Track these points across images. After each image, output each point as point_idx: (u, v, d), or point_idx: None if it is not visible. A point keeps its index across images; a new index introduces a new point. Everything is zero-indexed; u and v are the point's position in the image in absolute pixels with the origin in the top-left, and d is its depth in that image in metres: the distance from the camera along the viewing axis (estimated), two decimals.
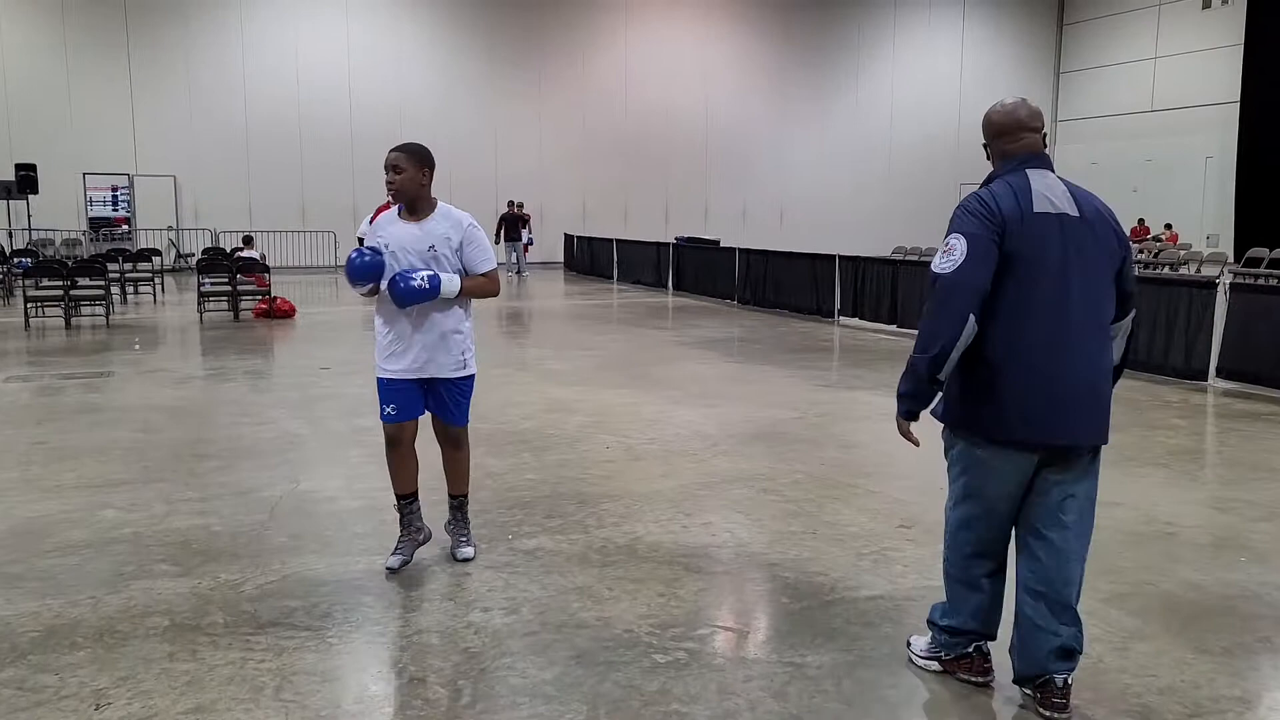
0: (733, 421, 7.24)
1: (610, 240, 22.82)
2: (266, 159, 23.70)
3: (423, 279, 3.95)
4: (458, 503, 4.43)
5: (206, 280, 14.00)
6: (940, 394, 3.00)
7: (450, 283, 4.01)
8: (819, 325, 13.91)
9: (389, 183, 4.04)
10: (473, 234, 4.15)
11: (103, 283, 13.29)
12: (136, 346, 11.23)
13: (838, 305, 14.21)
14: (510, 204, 22.88)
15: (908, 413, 3.00)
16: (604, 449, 6.37)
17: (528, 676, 3.27)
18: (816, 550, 4.52)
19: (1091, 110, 31.32)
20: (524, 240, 22.93)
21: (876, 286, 13.58)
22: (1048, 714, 2.96)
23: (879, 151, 30.45)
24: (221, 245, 20.97)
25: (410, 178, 4.04)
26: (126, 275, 16.21)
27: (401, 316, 4.07)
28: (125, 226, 22.62)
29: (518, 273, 22.35)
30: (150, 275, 16.73)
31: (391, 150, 4.07)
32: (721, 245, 19.45)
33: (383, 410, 4.18)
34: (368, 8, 24.58)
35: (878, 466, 6.03)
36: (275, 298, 13.88)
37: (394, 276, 3.98)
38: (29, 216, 20.50)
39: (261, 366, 9.99)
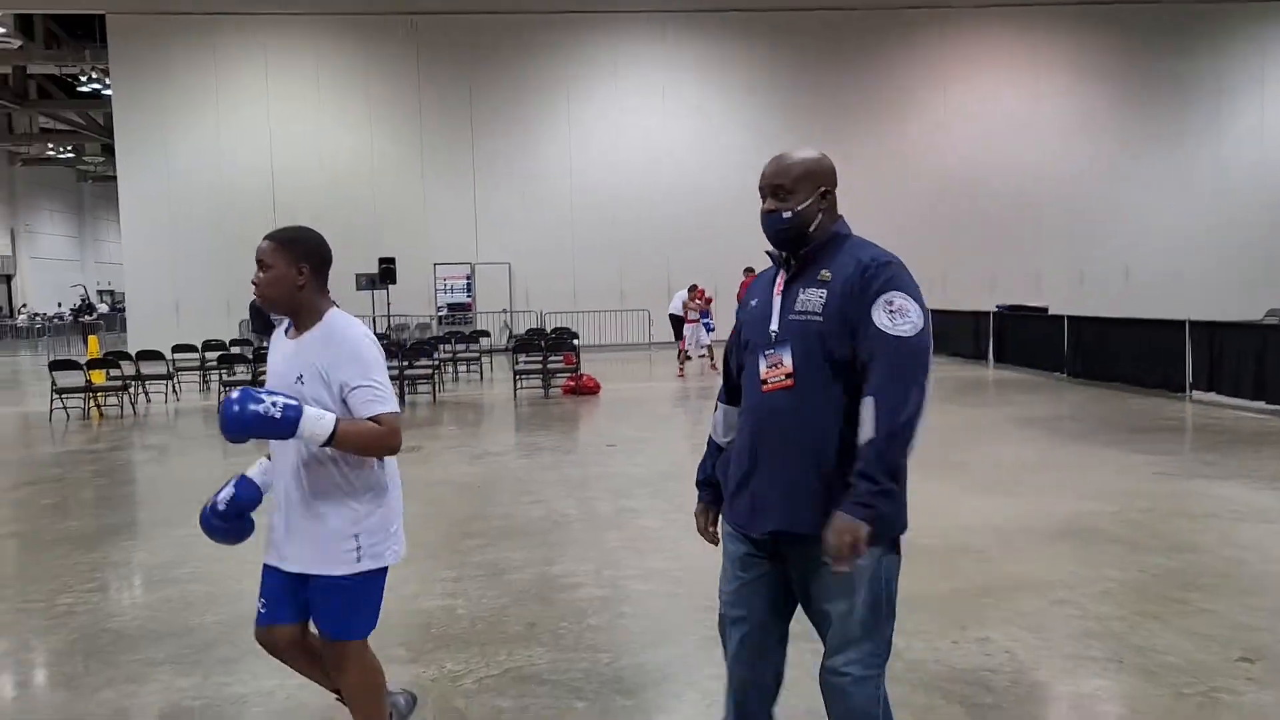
0: (1034, 515, 6.31)
1: None
2: (588, 244, 25.06)
3: (273, 405, 2.59)
4: None
5: (521, 359, 14.79)
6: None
7: (318, 422, 2.62)
8: (1164, 401, 12.17)
9: (253, 284, 2.86)
10: (354, 362, 2.75)
11: (431, 364, 14.42)
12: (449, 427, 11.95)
13: (1189, 378, 12.37)
14: None
15: (882, 515, 2.35)
16: None
17: None
18: (1120, 685, 3.66)
19: None
20: None
21: (1238, 355, 11.68)
22: None
23: (1244, 204, 26.90)
24: (544, 326, 22.28)
25: (279, 277, 2.81)
26: (458, 355, 17.54)
27: (281, 474, 2.88)
28: (468, 311, 24.82)
29: None
30: (478, 355, 18.01)
31: (263, 239, 2.89)
32: (1050, 312, 17.83)
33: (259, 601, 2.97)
34: (681, 102, 25.56)
35: (1218, 579, 4.93)
36: (582, 375, 14.38)
37: (227, 397, 2.75)
38: (388, 304, 23.03)
39: (554, 443, 10.23)
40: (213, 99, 24.78)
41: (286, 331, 2.91)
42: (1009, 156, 26.36)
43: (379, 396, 2.73)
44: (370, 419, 2.71)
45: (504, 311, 25.05)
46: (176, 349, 16.01)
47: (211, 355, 15.78)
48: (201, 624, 4.64)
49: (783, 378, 2.48)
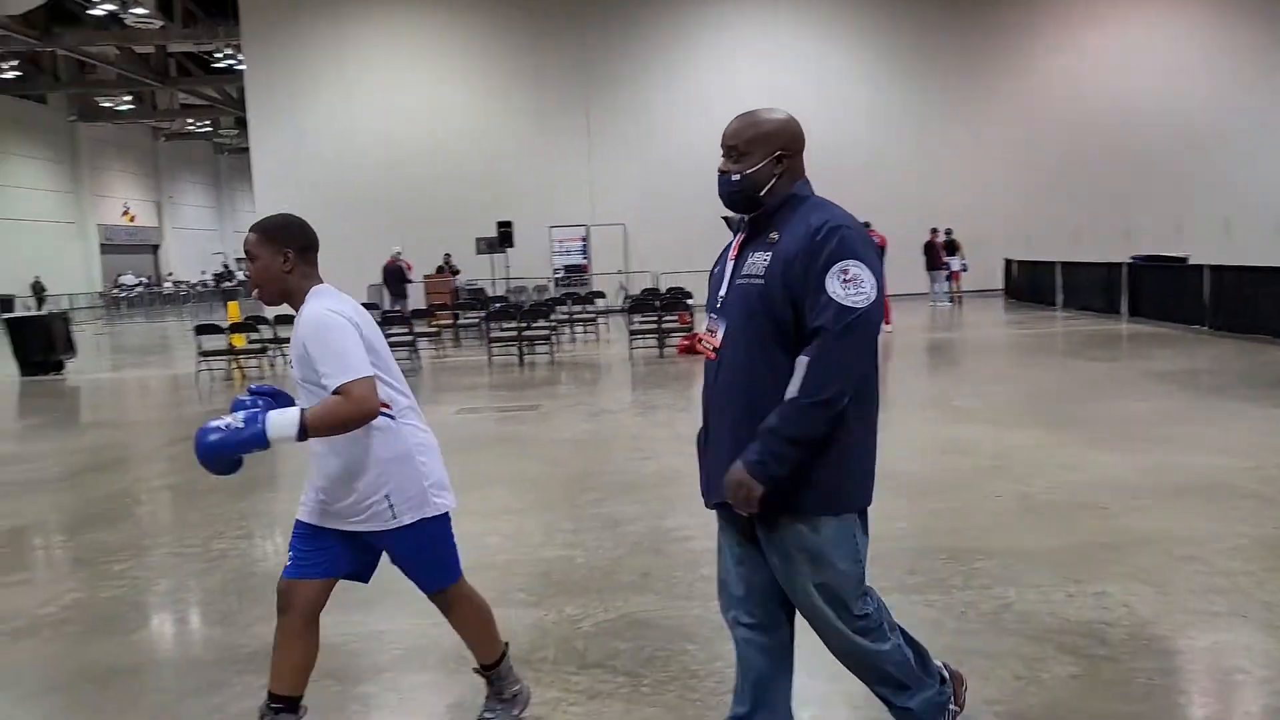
0: (1164, 470, 6.12)
1: (1053, 263, 20.94)
2: (702, 204, 24.97)
3: (232, 421, 2.61)
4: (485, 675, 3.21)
5: (636, 319, 14.96)
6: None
7: (281, 419, 2.61)
8: None
9: (246, 276, 2.89)
10: (312, 333, 2.70)
11: (548, 325, 14.74)
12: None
13: None
14: (932, 231, 21.89)
15: (775, 476, 2.34)
16: (994, 497, 5.68)
17: None
18: (1243, 638, 3.58)
19: None
20: (956, 266, 21.93)
21: None
22: None
23: None
24: (658, 287, 22.40)
25: (265, 266, 2.82)
26: (575, 317, 17.84)
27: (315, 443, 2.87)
28: (584, 273, 25.15)
29: (946, 302, 21.36)
30: (594, 316, 18.27)
31: (249, 230, 2.90)
32: (1189, 262, 16.98)
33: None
34: (800, 56, 25.11)
35: None
36: (696, 334, 14.44)
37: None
38: (507, 267, 23.54)
39: (668, 401, 10.37)
40: (338, 71, 25.59)
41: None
42: (1147, 100, 25.08)
43: (338, 368, 2.65)
44: (335, 392, 2.65)
45: (619, 272, 25.27)
46: None
47: None
48: None
49: (710, 349, 2.50)
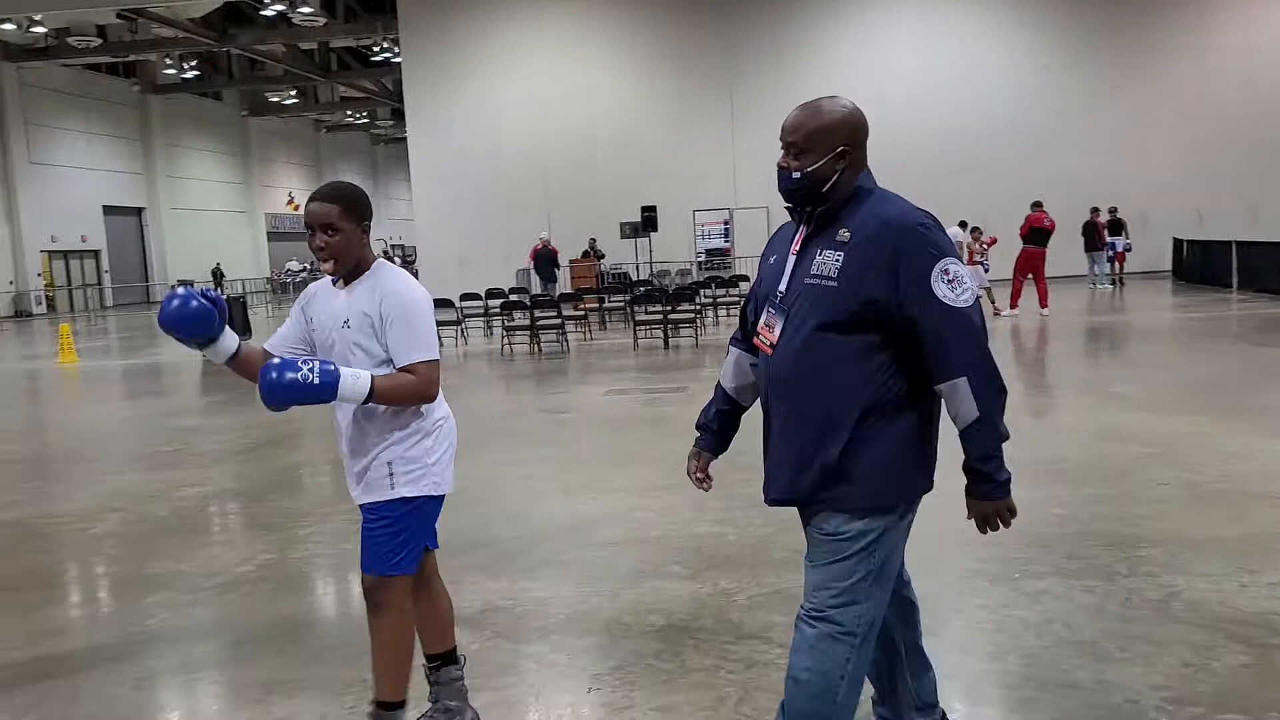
0: None
1: (1229, 243, 19.72)
2: None
3: (310, 372, 2.62)
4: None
5: None
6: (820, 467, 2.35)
7: (355, 382, 2.67)
8: None
9: (319, 249, 2.81)
10: (396, 309, 2.78)
11: (692, 308, 14.88)
12: None
13: None
14: (1094, 210, 20.94)
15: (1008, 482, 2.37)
16: (1157, 485, 5.50)
17: None
18: None
19: None
20: (1120, 247, 20.94)
21: None
22: None
23: None
24: None
25: (348, 239, 2.82)
26: (718, 300, 17.93)
27: (343, 415, 2.92)
28: (727, 256, 25.17)
29: (1107, 284, 20.43)
30: (737, 299, 18.30)
31: (313, 200, 2.83)
32: None
33: None
34: (949, 32, 24.40)
35: None
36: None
37: (266, 365, 2.67)
38: (650, 251, 23.80)
39: None
40: (489, 61, 26.35)
41: (335, 283, 2.92)
42: None
43: (417, 347, 2.77)
44: (405, 368, 2.76)
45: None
46: (463, 297, 17.37)
47: (494, 303, 17.03)
48: (502, 538, 5.22)
49: (767, 344, 2.41)
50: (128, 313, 33.37)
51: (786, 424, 2.40)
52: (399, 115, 36.40)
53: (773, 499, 2.48)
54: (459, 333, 16.34)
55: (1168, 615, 3.72)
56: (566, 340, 14.80)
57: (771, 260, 2.50)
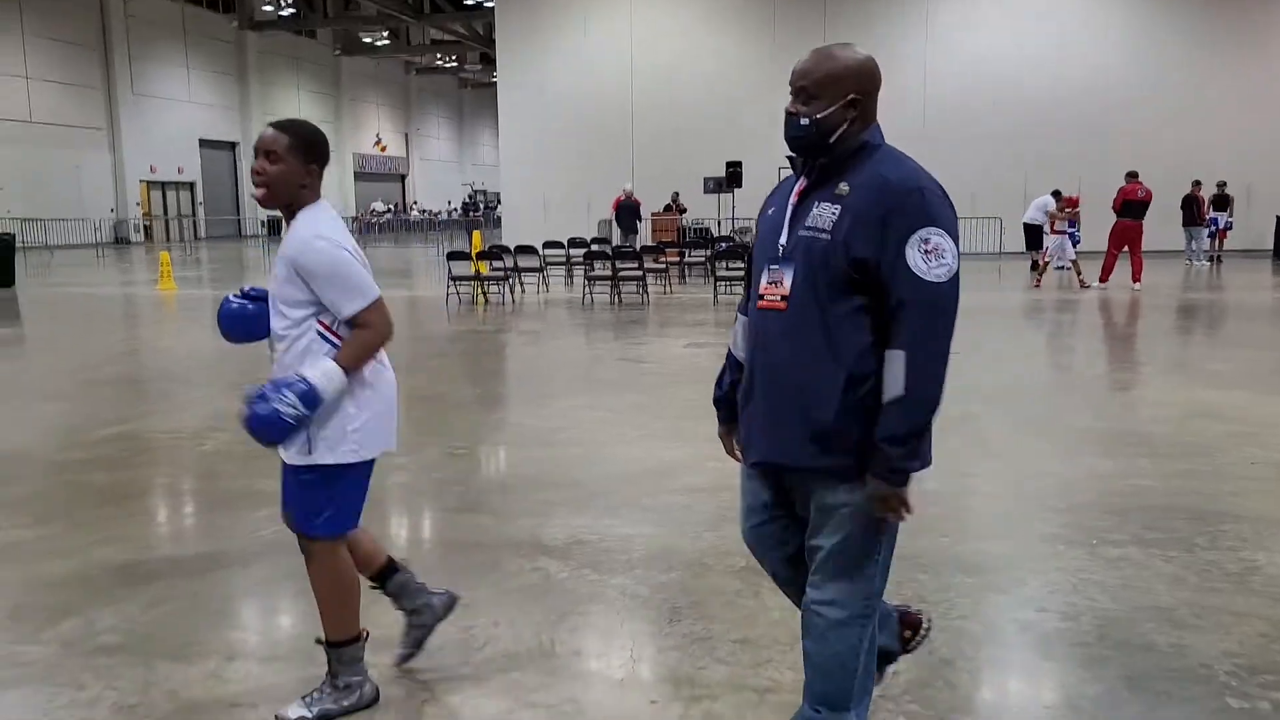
0: None
1: None
2: (938, 148, 24.07)
3: (289, 405, 2.59)
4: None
5: None
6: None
7: (330, 383, 2.63)
8: None
9: (255, 173, 2.70)
10: (316, 263, 2.63)
11: None
12: None
13: None
14: (1195, 184, 20.23)
15: (911, 472, 2.25)
16: (1248, 464, 5.46)
17: (1066, 688, 3.04)
18: None
19: None
20: (1222, 224, 20.24)
21: None
22: None
23: None
24: None
25: (288, 174, 2.70)
26: None
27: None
28: None
29: (1203, 261, 19.80)
30: None
31: (268, 126, 2.74)
32: None
33: None
34: None
35: None
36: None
37: (249, 402, 2.65)
38: (733, 207, 23.71)
39: None
40: (582, 9, 26.33)
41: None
42: None
43: (354, 297, 2.66)
44: (353, 321, 2.68)
45: None
46: (546, 245, 17.58)
47: (576, 252, 17.21)
48: (585, 478, 5.41)
49: (778, 299, 2.29)
50: (219, 244, 34.42)
51: (771, 383, 2.33)
52: (488, 60, 36.63)
53: (754, 462, 2.42)
54: (540, 280, 16.57)
55: (1247, 588, 3.75)
56: (647, 292, 14.92)
57: (770, 212, 2.41)
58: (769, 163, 24.02)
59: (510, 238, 23.34)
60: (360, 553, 3.03)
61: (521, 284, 15.74)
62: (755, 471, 2.46)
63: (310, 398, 2.59)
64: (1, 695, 3.02)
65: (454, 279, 14.62)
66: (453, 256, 15.12)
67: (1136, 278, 15.10)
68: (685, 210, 24.14)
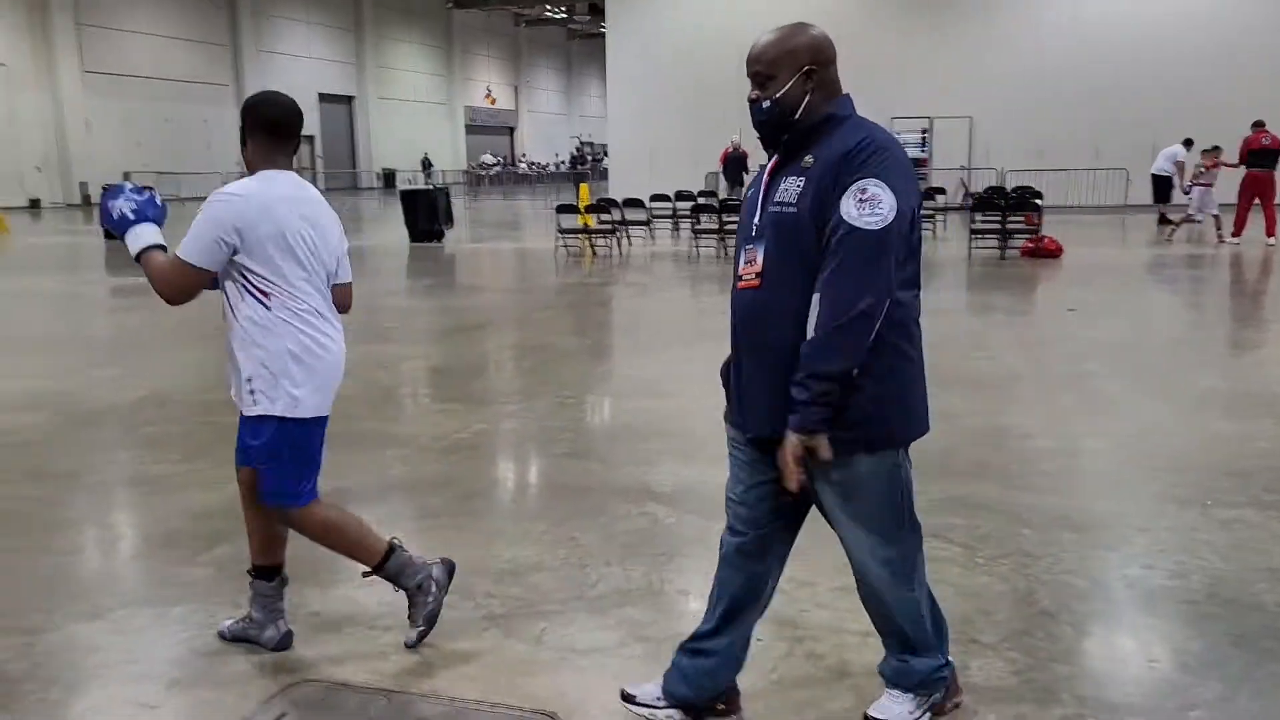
0: None
1: None
2: (1058, 96, 23.21)
3: (129, 207, 2.83)
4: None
5: (978, 218, 14.50)
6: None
7: (135, 240, 2.80)
8: None
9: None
10: (202, 207, 2.82)
11: None
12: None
13: None
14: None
15: (823, 420, 2.19)
16: None
17: (1171, 642, 3.06)
18: None
19: None
20: None
21: None
22: None
23: None
24: (1004, 185, 21.32)
25: (240, 141, 2.93)
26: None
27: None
28: (924, 168, 24.38)
29: None
30: (930, 214, 17.81)
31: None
32: None
33: None
34: None
35: None
36: (1043, 236, 13.81)
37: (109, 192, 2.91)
38: None
39: (1008, 304, 10.15)
40: None
41: None
42: None
43: (186, 238, 2.76)
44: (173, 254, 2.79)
45: (961, 168, 24.28)
46: (653, 198, 17.65)
47: (683, 205, 17.24)
48: (690, 428, 5.53)
49: (752, 276, 2.30)
50: (336, 196, 35.47)
51: (760, 360, 2.34)
52: (596, 10, 36.51)
53: (751, 438, 2.41)
54: (647, 233, 16.68)
55: None
56: None
57: (749, 193, 2.43)
58: (879, 113, 23.60)
59: (617, 190, 23.47)
60: (260, 538, 3.08)
61: (629, 237, 15.89)
62: (746, 444, 2.44)
63: (125, 222, 2.80)
64: (170, 609, 3.35)
65: (562, 232, 14.85)
66: (561, 209, 15.35)
67: (1270, 231, 14.37)
68: None
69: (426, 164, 41.74)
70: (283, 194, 2.81)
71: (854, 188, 2.16)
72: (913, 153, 24.49)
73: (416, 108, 44.65)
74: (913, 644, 2.53)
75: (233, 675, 2.91)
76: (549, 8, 48.51)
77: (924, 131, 24.34)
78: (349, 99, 41.40)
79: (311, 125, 38.66)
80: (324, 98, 39.35)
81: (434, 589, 3.05)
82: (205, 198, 2.89)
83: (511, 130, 54.35)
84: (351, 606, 3.36)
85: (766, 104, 2.31)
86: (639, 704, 2.63)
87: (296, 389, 2.82)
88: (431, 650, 3.03)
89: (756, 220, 2.33)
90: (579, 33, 55.46)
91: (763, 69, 2.32)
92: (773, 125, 2.33)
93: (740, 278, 2.34)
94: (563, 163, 51.52)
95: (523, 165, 50.26)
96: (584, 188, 21.45)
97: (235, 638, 3.06)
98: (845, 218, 2.15)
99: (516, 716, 2.68)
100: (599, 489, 4.58)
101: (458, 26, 47.28)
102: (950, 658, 2.64)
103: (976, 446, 5.13)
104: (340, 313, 3.04)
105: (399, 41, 43.68)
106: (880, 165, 2.18)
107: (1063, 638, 3.09)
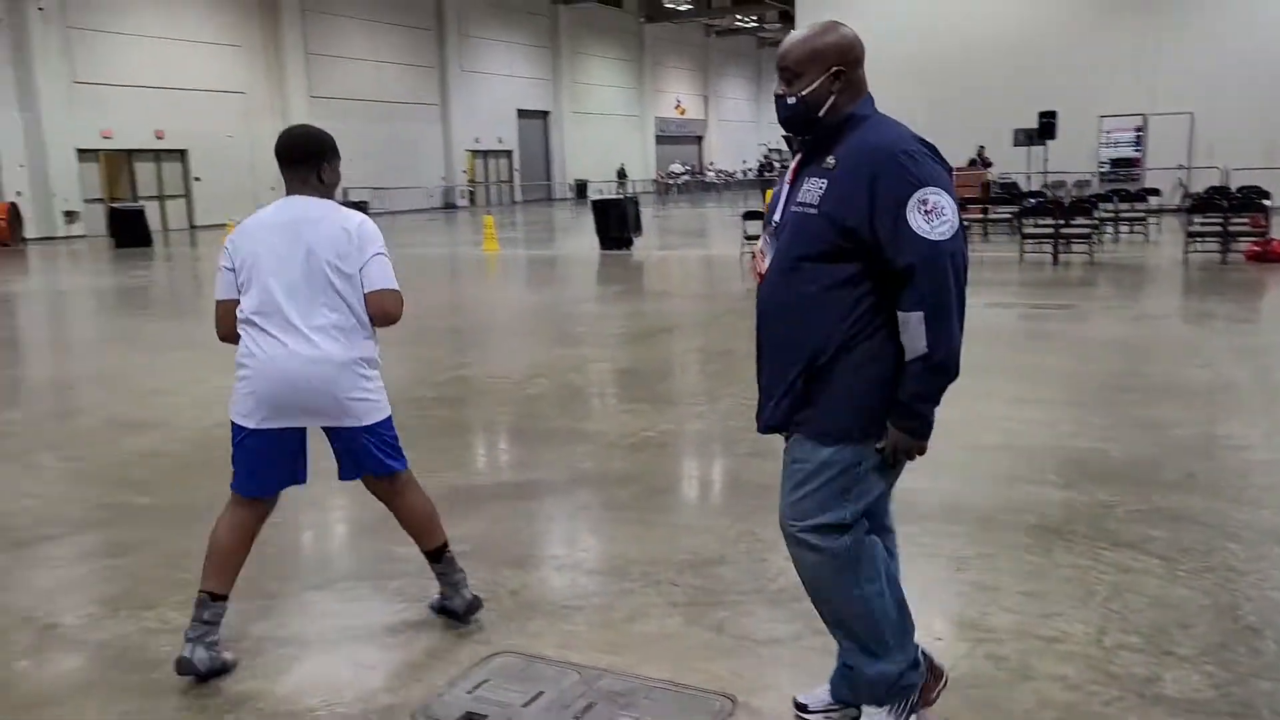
0: None
1: None
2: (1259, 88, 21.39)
3: None
4: None
5: (1196, 220, 13.58)
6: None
7: None
8: None
9: None
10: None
11: (1089, 222, 13.95)
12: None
13: None
14: None
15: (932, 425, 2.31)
16: None
17: None
18: None
19: None
20: None
21: None
22: None
23: None
24: (1228, 185, 19.84)
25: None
26: (1121, 215, 16.57)
27: None
28: (1136, 167, 23.01)
29: None
30: (1144, 215, 16.81)
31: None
32: None
33: None
34: None
35: None
36: (1271, 240, 12.80)
37: None
38: (1045, 160, 22.33)
39: (1229, 311, 9.49)
40: None
41: None
42: None
43: None
44: None
45: (1179, 168, 22.76)
46: None
47: None
48: None
49: (758, 271, 2.45)
50: (532, 208, 36.91)
51: (773, 354, 2.42)
52: (786, 18, 36.44)
53: (760, 428, 2.51)
54: None
55: None
56: None
57: (776, 190, 2.50)
58: (1087, 111, 22.46)
59: None
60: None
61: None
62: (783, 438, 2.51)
63: None
64: (388, 583, 3.68)
65: (748, 238, 14.93)
66: (748, 216, 15.44)
67: None
68: (991, 165, 23.03)
69: (621, 174, 42.90)
70: (261, 218, 3.06)
71: (914, 200, 2.19)
72: (1124, 152, 23.17)
73: (608, 120, 45.81)
74: (865, 644, 2.51)
75: (440, 644, 3.19)
76: (739, 17, 48.76)
77: (1138, 130, 22.94)
78: (544, 114, 42.94)
79: (510, 140, 40.39)
80: (522, 113, 40.98)
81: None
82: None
83: (699, 139, 54.85)
84: (544, 588, 3.59)
85: (792, 100, 2.36)
86: (811, 712, 2.67)
87: (234, 393, 3.05)
88: (618, 633, 3.21)
89: (777, 218, 2.41)
90: (770, 40, 55.39)
91: (790, 66, 2.36)
92: (798, 122, 2.38)
93: (762, 274, 2.46)
94: (750, 170, 51.58)
95: (710, 174, 50.62)
96: (769, 194, 21.42)
97: (439, 611, 3.34)
98: (919, 233, 2.18)
99: (697, 696, 2.81)
100: (758, 488, 4.63)
101: (649, 40, 48.20)
102: (921, 654, 2.59)
103: (1186, 457, 4.90)
104: (377, 324, 3.17)
105: (592, 57, 44.96)
106: (926, 170, 2.23)
107: (1266, 653, 2.94)
